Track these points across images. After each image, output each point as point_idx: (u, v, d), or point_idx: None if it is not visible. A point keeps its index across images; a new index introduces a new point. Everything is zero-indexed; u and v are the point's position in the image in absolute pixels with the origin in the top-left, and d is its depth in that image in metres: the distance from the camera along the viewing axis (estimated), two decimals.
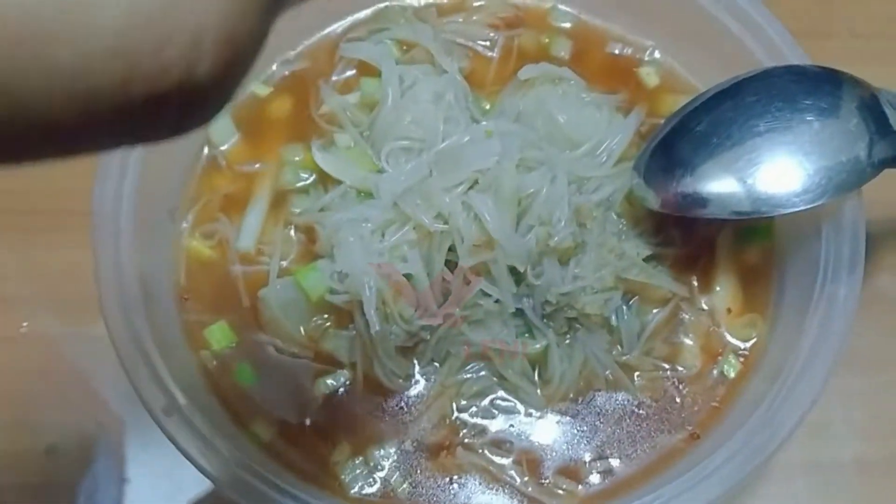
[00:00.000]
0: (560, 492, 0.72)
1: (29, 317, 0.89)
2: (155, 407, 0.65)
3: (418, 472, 0.73)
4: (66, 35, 0.27)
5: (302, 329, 0.77)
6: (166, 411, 0.65)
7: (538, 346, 0.74)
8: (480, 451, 0.73)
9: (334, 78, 0.88)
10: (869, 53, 1.04)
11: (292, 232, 0.81)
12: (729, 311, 0.79)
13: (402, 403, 0.75)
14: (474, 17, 0.91)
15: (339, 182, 0.80)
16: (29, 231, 0.92)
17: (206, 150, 0.85)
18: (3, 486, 0.84)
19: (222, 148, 0.84)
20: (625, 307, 0.77)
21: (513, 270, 0.73)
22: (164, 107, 0.30)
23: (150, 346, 0.69)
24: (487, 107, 0.85)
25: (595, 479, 0.73)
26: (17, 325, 0.89)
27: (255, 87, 0.87)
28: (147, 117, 0.31)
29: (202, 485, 0.82)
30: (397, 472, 0.73)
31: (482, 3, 0.92)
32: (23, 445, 0.85)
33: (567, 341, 0.75)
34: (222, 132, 0.84)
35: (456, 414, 0.75)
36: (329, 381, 0.75)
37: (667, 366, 0.77)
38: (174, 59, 0.29)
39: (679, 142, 0.74)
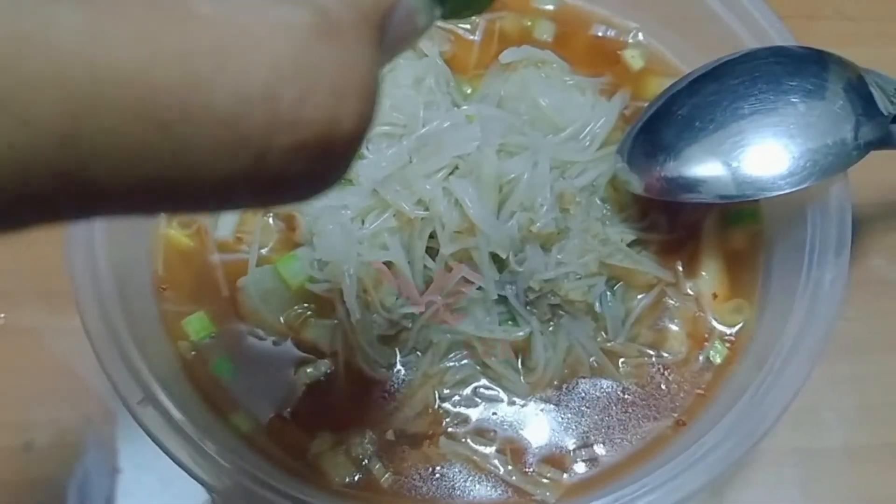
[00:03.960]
0: (544, 480, 0.71)
1: (9, 309, 0.88)
2: (131, 399, 0.64)
3: (401, 461, 0.72)
4: (221, 79, 0.28)
5: (282, 318, 0.76)
6: (143, 403, 0.64)
7: (522, 333, 0.73)
8: (464, 439, 0.73)
9: None
10: (858, 35, 1.03)
11: (271, 220, 0.79)
12: (715, 296, 0.78)
13: (385, 392, 0.74)
14: None
15: None
16: None
17: None
18: None
19: None
20: (609, 293, 0.76)
21: (495, 257, 0.72)
22: (304, 160, 0.31)
23: (126, 338, 0.68)
24: (469, 91, 0.84)
25: (580, 467, 0.72)
26: None
27: None
28: (289, 171, 0.31)
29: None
30: (380, 462, 0.72)
31: None
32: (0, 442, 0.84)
33: (551, 328, 0.74)
34: None
35: (439, 403, 0.74)
36: (310, 371, 0.74)
37: (652, 352, 0.76)
38: (318, 110, 0.30)
39: (662, 126, 0.73)
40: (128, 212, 0.30)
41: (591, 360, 0.75)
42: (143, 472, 0.83)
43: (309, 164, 0.31)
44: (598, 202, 0.77)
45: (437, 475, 0.72)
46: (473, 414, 0.74)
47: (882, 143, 0.70)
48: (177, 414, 0.65)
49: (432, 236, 0.72)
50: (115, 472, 0.83)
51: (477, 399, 0.74)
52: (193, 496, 0.82)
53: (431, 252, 0.72)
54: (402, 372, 0.74)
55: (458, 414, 0.73)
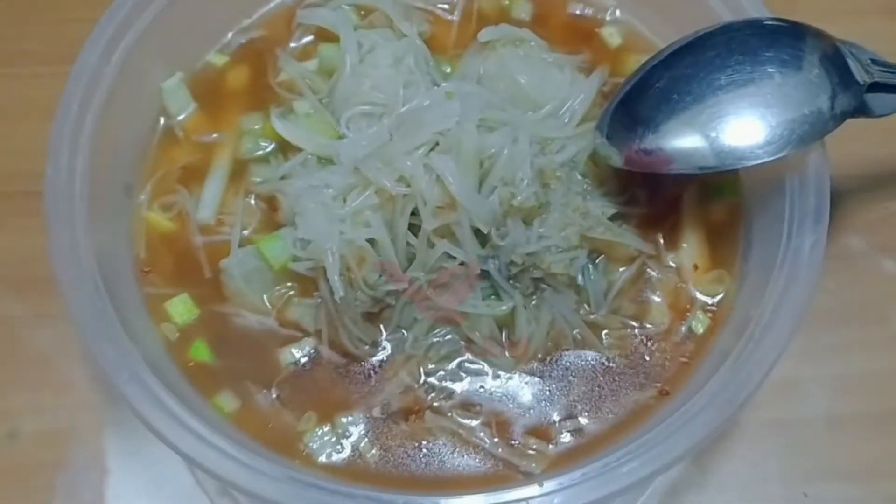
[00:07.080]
0: (531, 452, 0.72)
1: None
2: (118, 379, 0.64)
3: (387, 437, 0.72)
4: None
5: (266, 298, 0.76)
6: (128, 384, 0.64)
7: (505, 307, 0.73)
8: (449, 414, 0.73)
9: (292, 45, 0.87)
10: (835, 11, 1.04)
11: (253, 201, 0.79)
12: (696, 267, 0.78)
13: (370, 370, 0.74)
14: None
15: (300, 150, 0.79)
16: None
17: (162, 120, 0.83)
18: None
19: (179, 118, 0.83)
20: (591, 266, 0.76)
21: (477, 232, 0.72)
22: None
23: (111, 321, 0.67)
24: (449, 70, 0.84)
25: (565, 438, 0.72)
26: None
27: (212, 56, 0.86)
28: None
29: (182, 474, 0.83)
30: (366, 439, 0.72)
31: None
32: None
33: (534, 302, 0.75)
34: (179, 102, 0.83)
35: (424, 378, 0.74)
36: (294, 350, 0.74)
37: (635, 323, 0.76)
38: None
39: (640, 99, 0.74)
40: None
41: (575, 332, 0.75)
42: (134, 471, 0.84)
43: None
44: (579, 177, 0.77)
45: (424, 450, 0.72)
46: (459, 388, 0.74)
47: (858, 111, 0.70)
48: (162, 394, 0.65)
49: (414, 213, 0.72)
50: (105, 472, 0.84)
51: (462, 374, 0.74)
52: (181, 495, 0.83)
53: (414, 229, 0.72)
54: (387, 349, 0.75)
55: (444, 389, 0.74)
